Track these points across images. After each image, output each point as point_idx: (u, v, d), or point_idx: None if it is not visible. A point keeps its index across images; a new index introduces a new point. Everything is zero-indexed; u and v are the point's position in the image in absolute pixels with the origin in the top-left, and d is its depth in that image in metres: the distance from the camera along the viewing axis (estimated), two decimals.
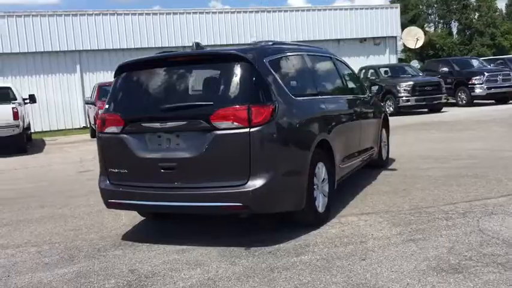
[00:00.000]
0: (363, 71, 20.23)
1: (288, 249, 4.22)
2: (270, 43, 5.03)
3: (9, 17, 20.52)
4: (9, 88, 15.59)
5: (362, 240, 4.34)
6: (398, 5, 27.96)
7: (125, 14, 22.01)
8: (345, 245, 4.26)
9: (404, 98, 17.61)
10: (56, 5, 51.79)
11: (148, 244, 4.63)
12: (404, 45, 30.83)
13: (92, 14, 21.57)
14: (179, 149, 4.35)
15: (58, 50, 20.94)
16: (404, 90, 17.69)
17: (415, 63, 27.88)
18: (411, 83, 17.82)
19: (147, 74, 4.69)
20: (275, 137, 4.26)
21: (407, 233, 4.46)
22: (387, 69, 20.38)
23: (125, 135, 4.54)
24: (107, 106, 4.76)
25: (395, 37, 27.39)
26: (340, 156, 5.45)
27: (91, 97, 16.91)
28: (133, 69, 4.77)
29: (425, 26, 50.09)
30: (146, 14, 22.43)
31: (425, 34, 34.34)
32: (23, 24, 20.54)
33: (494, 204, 5.16)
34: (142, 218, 5.49)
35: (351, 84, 6.68)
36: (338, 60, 6.50)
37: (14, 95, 15.04)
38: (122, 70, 4.79)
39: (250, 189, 4.12)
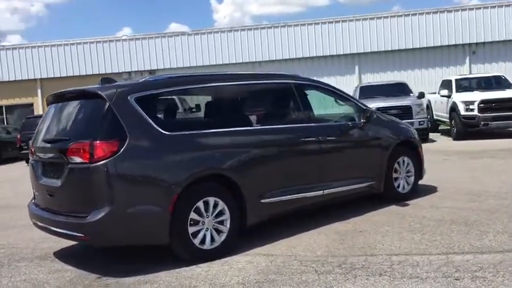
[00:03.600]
0: None
1: (123, 284, 4.31)
2: (156, 78, 5.08)
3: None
4: None
5: (195, 285, 4.16)
6: None
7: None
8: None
9: None
10: (300, 13, 55.03)
11: (53, 260, 5.18)
12: None
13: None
14: (54, 178, 4.81)
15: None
16: None
17: None
18: None
19: (49, 108, 5.27)
20: (119, 172, 4.39)
21: (253, 283, 4.11)
22: None
23: (34, 163, 5.19)
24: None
25: None
26: (260, 191, 5.18)
27: None
28: (47, 102, 5.38)
29: None
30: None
31: None
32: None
33: (411, 264, 4.31)
34: None
35: (324, 112, 6.12)
36: (307, 84, 6.05)
37: None
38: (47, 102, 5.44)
39: (88, 221, 4.35)
